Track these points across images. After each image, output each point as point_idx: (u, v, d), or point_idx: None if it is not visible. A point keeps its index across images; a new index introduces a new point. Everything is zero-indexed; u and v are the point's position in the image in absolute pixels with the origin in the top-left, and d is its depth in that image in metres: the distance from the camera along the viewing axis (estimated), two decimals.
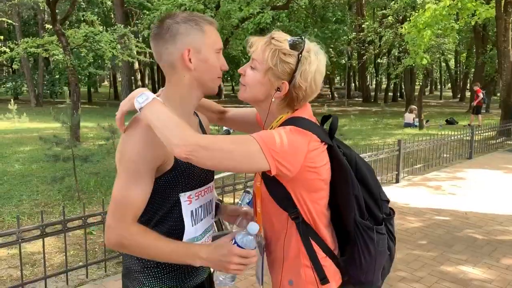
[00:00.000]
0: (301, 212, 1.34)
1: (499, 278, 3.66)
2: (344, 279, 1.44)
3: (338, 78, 52.82)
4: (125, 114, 1.32)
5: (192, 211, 1.38)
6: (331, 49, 25.47)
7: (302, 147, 1.26)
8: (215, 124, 2.00)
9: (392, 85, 35.22)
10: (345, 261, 1.42)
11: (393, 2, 20.68)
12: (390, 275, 3.67)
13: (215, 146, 1.20)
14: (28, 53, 12.96)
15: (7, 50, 12.59)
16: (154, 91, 41.94)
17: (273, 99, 1.35)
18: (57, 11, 11.37)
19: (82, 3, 27.45)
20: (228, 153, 1.20)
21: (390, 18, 23.71)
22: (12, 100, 17.69)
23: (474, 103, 16.72)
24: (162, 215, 1.33)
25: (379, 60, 28.27)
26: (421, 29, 11.28)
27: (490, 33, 25.28)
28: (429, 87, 48.31)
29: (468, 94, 29.98)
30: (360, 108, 27.56)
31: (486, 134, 10.60)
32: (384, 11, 23.59)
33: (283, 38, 1.33)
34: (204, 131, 1.52)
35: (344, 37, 23.54)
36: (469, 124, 15.08)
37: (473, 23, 11.55)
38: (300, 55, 1.30)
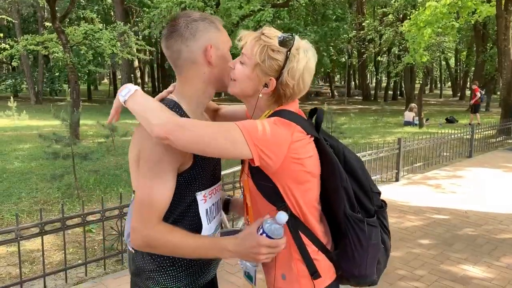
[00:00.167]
0: (289, 205, 1.33)
1: (499, 277, 3.66)
2: (338, 274, 1.43)
3: (338, 76, 52.84)
4: (119, 110, 1.35)
5: (207, 210, 1.40)
6: (331, 47, 25.42)
7: (285, 137, 1.26)
8: None
9: (392, 83, 35.23)
10: (337, 254, 1.41)
11: (394, 0, 20.67)
12: (390, 274, 3.67)
13: (195, 127, 1.21)
14: (28, 50, 12.94)
15: (7, 47, 12.54)
16: (154, 88, 41.72)
17: (260, 95, 1.35)
18: (56, 8, 11.34)
19: (81, 0, 27.41)
20: (207, 136, 1.21)
21: (390, 16, 23.71)
22: (11, 97, 17.66)
23: (472, 102, 16.77)
24: (178, 214, 1.34)
25: (379, 58, 28.27)
26: (421, 27, 11.28)
27: (490, 31, 25.28)
28: (429, 85, 48.32)
29: (468, 92, 29.94)
30: (360, 106, 27.55)
31: (486, 132, 10.60)
32: (384, 9, 23.60)
33: (273, 35, 1.32)
34: None
35: (344, 35, 23.50)
36: (469, 123, 15.09)
37: (473, 21, 11.54)
38: (288, 53, 1.30)
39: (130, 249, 1.42)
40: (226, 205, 1.67)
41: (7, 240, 3.18)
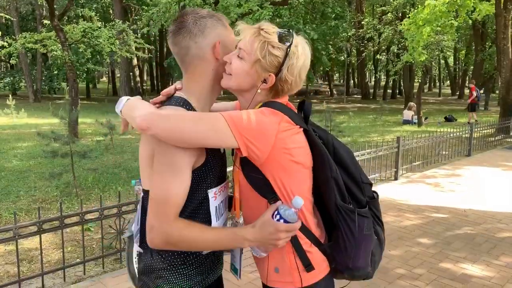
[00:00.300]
0: (280, 197, 1.33)
1: (498, 276, 3.66)
2: (332, 266, 1.43)
3: (337, 75, 52.83)
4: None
5: (216, 207, 1.41)
6: (330, 46, 25.41)
7: (271, 127, 1.26)
8: None
9: (391, 82, 35.26)
10: (330, 247, 1.41)
11: None
12: (389, 273, 3.67)
13: (177, 117, 1.22)
14: (26, 48, 12.90)
15: (5, 45, 12.51)
16: (152, 87, 41.61)
17: (258, 91, 1.35)
18: (55, 6, 11.31)
19: None
20: (190, 125, 1.21)
21: (389, 15, 23.71)
22: (10, 95, 17.61)
23: (469, 101, 16.84)
24: (190, 211, 1.34)
25: (378, 57, 28.25)
26: (420, 26, 11.27)
27: (489, 30, 25.29)
28: (428, 84, 48.36)
29: (467, 91, 29.97)
30: (359, 105, 27.56)
31: (485, 131, 10.60)
32: (383, 8, 23.57)
33: (272, 30, 1.33)
34: None
35: (343, 33, 23.48)
36: (468, 122, 15.12)
37: (470, 21, 11.54)
38: (288, 49, 1.31)
39: (139, 248, 1.41)
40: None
41: (5, 239, 3.17)
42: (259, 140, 1.24)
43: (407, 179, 7.26)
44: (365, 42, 26.05)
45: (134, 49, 14.43)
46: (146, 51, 21.47)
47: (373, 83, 40.42)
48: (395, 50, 24.62)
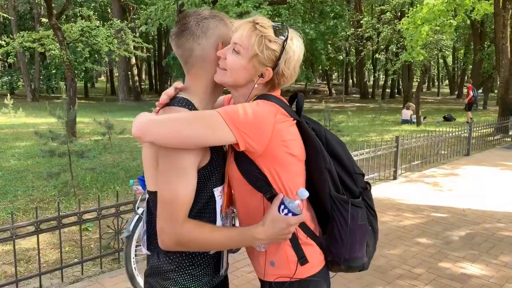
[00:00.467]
0: (276, 190, 1.33)
1: (497, 275, 3.65)
2: (329, 259, 1.43)
3: (336, 74, 52.82)
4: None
5: (221, 205, 1.41)
6: (329, 45, 25.41)
7: (268, 119, 1.26)
8: None
9: (390, 81, 35.25)
10: (326, 239, 1.41)
11: None
12: (388, 273, 3.66)
13: (171, 120, 1.21)
14: (24, 47, 12.84)
15: (3, 44, 12.46)
16: (151, 86, 41.61)
17: (256, 85, 1.35)
18: (53, 5, 11.27)
19: None
20: (185, 126, 1.20)
21: (388, 14, 23.71)
22: (8, 95, 17.58)
23: (466, 100, 16.89)
24: (197, 211, 1.33)
25: (377, 56, 28.25)
26: (419, 25, 11.28)
27: (488, 29, 25.29)
28: (426, 83, 48.37)
29: (465, 91, 30.01)
30: (357, 104, 27.56)
31: (484, 130, 10.61)
32: (382, 7, 23.58)
33: (267, 24, 1.33)
34: None
35: (342, 33, 23.49)
36: (466, 122, 15.14)
37: (469, 20, 11.54)
38: (285, 43, 1.31)
39: (146, 251, 1.41)
40: None
41: (3, 239, 3.15)
42: (256, 133, 1.24)
43: (406, 178, 7.26)
44: (364, 41, 26.04)
45: (132, 48, 14.38)
46: (145, 50, 21.47)
47: (371, 82, 40.41)
48: (394, 50, 24.64)
